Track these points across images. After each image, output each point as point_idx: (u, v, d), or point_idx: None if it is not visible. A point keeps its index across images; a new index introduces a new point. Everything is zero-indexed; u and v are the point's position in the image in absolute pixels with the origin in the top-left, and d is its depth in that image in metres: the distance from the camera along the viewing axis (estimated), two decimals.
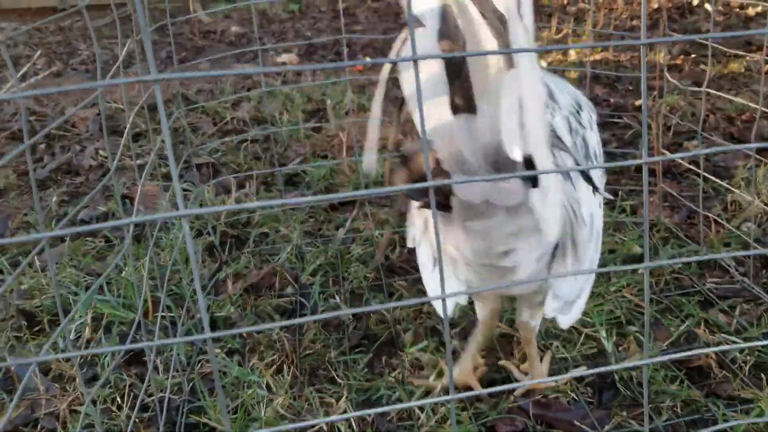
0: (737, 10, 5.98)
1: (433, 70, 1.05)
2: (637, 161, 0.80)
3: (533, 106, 0.98)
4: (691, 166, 2.57)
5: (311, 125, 3.48)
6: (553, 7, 6.21)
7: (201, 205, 2.65)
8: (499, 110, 1.02)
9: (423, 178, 1.10)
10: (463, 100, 1.04)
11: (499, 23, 1.00)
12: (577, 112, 1.50)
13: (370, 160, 1.10)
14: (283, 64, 5.29)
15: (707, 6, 5.85)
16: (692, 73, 4.38)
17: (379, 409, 0.84)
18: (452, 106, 1.05)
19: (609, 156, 3.09)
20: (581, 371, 1.70)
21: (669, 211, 2.53)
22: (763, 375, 1.68)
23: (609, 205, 2.60)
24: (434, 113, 1.05)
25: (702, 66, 4.49)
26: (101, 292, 2.06)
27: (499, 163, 1.08)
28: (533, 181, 1.11)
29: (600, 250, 1.45)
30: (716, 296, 2.00)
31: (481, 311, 1.67)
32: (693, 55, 4.66)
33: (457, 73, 1.04)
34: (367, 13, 7.18)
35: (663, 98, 4.03)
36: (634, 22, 5.57)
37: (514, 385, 1.07)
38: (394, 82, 1.12)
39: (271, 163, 3.14)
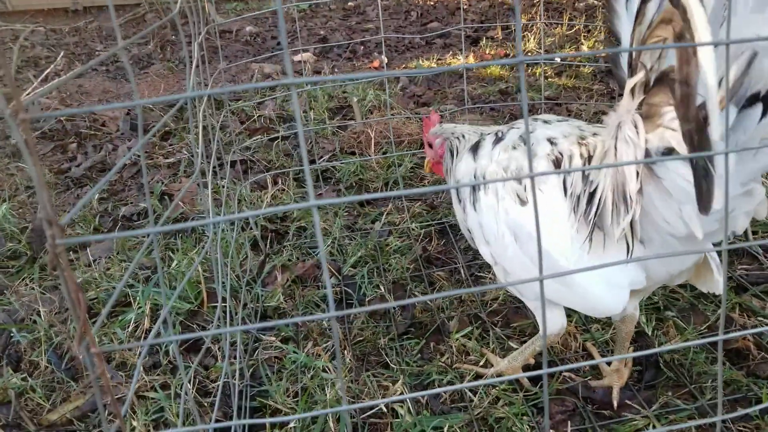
0: None
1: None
2: None
3: None
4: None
5: (337, 123, 3.56)
6: (564, 3, 6.27)
7: (240, 201, 2.73)
8: None
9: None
10: None
11: None
12: None
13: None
14: (300, 62, 5.35)
15: None
16: None
17: (434, 391, 0.91)
18: None
19: None
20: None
21: None
22: None
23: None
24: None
25: None
26: (156, 285, 2.14)
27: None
28: None
29: None
30: (748, 282, 2.07)
31: (550, 327, 1.66)
32: None
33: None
34: (377, 11, 7.26)
35: None
36: None
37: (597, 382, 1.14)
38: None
39: (301, 160, 3.22)
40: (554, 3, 6.40)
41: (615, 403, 1.65)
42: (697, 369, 1.74)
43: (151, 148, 3.47)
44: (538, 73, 4.40)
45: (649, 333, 1.89)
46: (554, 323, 1.59)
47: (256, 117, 3.73)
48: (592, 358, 1.81)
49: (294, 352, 1.87)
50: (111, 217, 2.75)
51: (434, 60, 4.81)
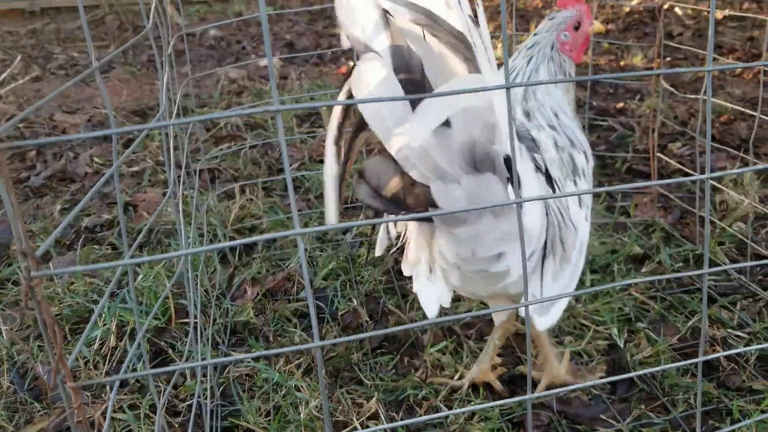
0: (705, 13, 6.17)
1: (394, 96, 1.10)
2: (696, 177, 0.88)
3: (500, 108, 1.07)
4: (681, 167, 2.68)
5: (306, 129, 3.53)
6: (530, 11, 6.34)
7: (207, 212, 2.67)
8: (473, 112, 1.09)
9: (378, 189, 1.17)
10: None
11: (456, 41, 1.07)
12: (566, 134, 1.58)
13: (330, 212, 1.19)
14: (265, 67, 5.29)
15: (677, 10, 6.04)
16: (668, 77, 4.52)
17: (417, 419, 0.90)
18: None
19: (598, 158, 3.20)
20: (601, 380, 1.79)
21: (663, 211, 2.64)
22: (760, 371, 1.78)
23: (606, 206, 2.70)
24: (402, 136, 1.11)
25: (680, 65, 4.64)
26: (121, 300, 2.08)
27: (477, 163, 1.14)
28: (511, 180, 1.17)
29: (583, 260, 1.53)
30: (717, 293, 2.10)
31: (497, 314, 1.73)
32: (668, 59, 4.81)
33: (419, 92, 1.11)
34: None
35: (645, 102, 4.17)
36: (610, 26, 5.72)
37: (540, 394, 1.14)
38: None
39: (269, 168, 3.18)
40: (521, 11, 6.46)
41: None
42: (669, 381, 1.75)
43: (110, 156, 3.38)
44: None
45: (621, 345, 1.90)
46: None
47: (222, 124, 3.67)
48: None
49: (265, 369, 1.84)
50: (74, 229, 2.68)
51: None
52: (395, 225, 1.45)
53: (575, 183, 1.56)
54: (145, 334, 1.97)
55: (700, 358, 0.99)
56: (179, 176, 2.99)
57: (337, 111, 1.20)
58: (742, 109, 2.43)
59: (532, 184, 1.27)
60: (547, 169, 1.49)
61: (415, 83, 1.13)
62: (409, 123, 1.08)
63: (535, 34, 1.73)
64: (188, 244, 2.39)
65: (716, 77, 4.52)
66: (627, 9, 6.14)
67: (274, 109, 0.74)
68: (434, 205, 1.17)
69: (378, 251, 1.43)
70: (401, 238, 1.48)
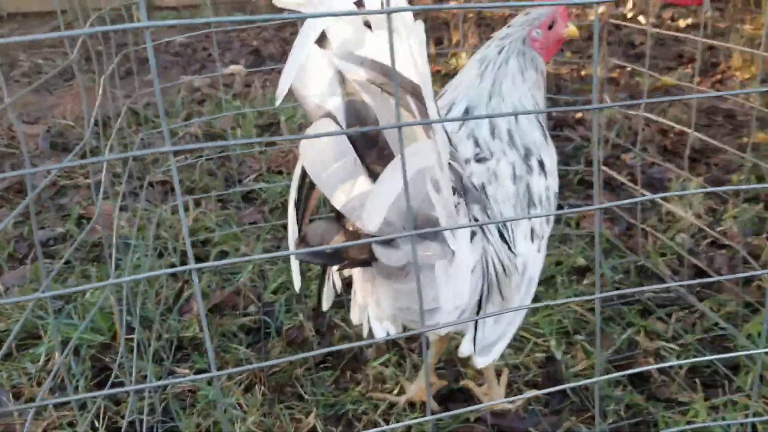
0: (669, 22, 6.29)
1: (343, 155, 1.13)
2: (640, 198, 0.92)
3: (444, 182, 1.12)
4: (628, 178, 2.74)
5: (265, 139, 3.54)
6: (495, 20, 6.40)
7: (158, 225, 2.69)
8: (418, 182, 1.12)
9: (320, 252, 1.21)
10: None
11: (409, 94, 1.09)
12: (526, 156, 1.61)
13: (295, 276, 1.26)
14: (231, 75, 5.30)
15: (641, 18, 6.14)
16: (627, 87, 4.61)
17: None
18: (372, 176, 1.13)
19: None
20: (533, 392, 1.83)
21: (609, 223, 2.69)
22: (697, 379, 1.84)
23: (556, 218, 2.75)
24: (352, 189, 1.14)
25: (637, 78, 4.73)
26: (68, 316, 2.09)
27: (418, 225, 1.18)
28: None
29: (532, 293, 1.58)
30: (655, 305, 2.16)
31: (432, 333, 1.76)
32: (629, 68, 4.89)
33: (370, 147, 1.14)
34: None
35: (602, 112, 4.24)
36: None
37: (476, 407, 1.18)
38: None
39: (226, 180, 3.19)
40: (486, 19, 6.53)
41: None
42: (601, 392, 1.80)
43: (70, 168, 3.38)
44: None
45: (559, 357, 1.94)
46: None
47: (180, 135, 3.68)
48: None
49: (208, 384, 1.86)
50: (27, 242, 2.67)
51: None
52: (340, 278, 1.46)
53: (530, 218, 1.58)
54: (89, 351, 1.98)
55: (612, 376, 1.03)
56: (134, 189, 3.00)
57: (297, 173, 1.23)
58: (679, 129, 2.48)
59: (464, 252, 1.29)
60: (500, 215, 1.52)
61: (368, 137, 1.15)
62: (368, 204, 1.11)
63: (508, 26, 1.75)
64: (143, 256, 2.41)
65: (675, 87, 4.61)
66: (591, 17, 6.23)
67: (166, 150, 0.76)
68: (375, 258, 1.20)
69: (325, 306, 1.45)
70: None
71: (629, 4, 6.40)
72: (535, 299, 1.99)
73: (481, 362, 1.49)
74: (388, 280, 1.29)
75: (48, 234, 2.74)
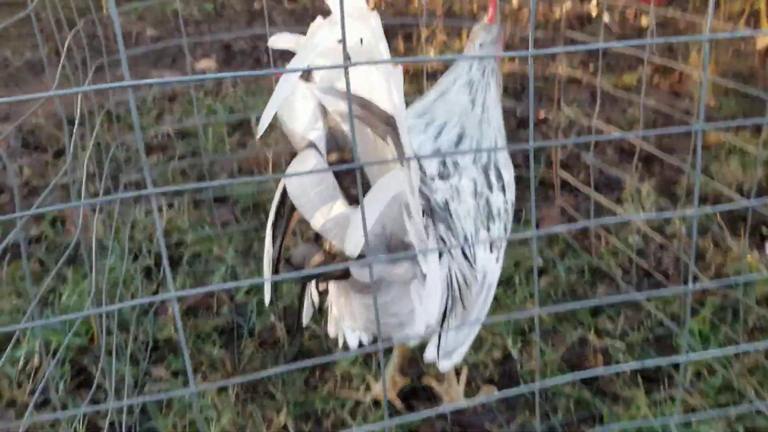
0: (631, 21, 6.45)
1: (323, 182, 1.25)
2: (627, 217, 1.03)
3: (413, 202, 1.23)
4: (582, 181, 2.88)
5: (236, 139, 3.62)
6: (464, 16, 6.51)
7: (133, 227, 2.76)
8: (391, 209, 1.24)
9: (302, 266, 1.33)
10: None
11: (386, 125, 1.18)
12: (486, 172, 1.73)
13: (267, 291, 1.37)
14: (202, 71, 5.34)
15: (604, 17, 6.29)
16: (590, 85, 4.75)
17: None
18: (349, 200, 1.25)
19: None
20: (492, 395, 1.96)
21: (567, 223, 2.83)
22: (641, 375, 1.99)
23: (515, 217, 2.88)
24: (331, 212, 1.25)
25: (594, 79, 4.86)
26: (46, 317, 2.16)
27: (391, 245, 1.30)
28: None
29: (491, 299, 1.70)
30: (605, 304, 2.30)
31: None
32: (591, 67, 5.04)
33: (348, 172, 1.24)
34: (283, 16, 7.29)
35: (561, 110, 4.38)
36: (538, 33, 5.93)
37: (435, 410, 1.30)
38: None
39: (199, 179, 3.26)
40: (456, 14, 6.63)
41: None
42: (552, 389, 1.94)
43: (43, 167, 3.43)
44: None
45: (515, 356, 2.08)
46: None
47: (154, 134, 3.73)
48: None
49: (184, 384, 1.95)
50: (1, 244, 2.72)
51: None
52: (317, 292, 1.56)
53: (488, 228, 1.70)
54: (68, 353, 2.06)
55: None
56: (108, 189, 3.06)
57: (276, 197, 1.34)
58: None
59: (435, 273, 1.40)
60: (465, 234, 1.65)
61: (347, 162, 1.25)
62: (349, 231, 1.22)
63: (480, 45, 1.89)
64: (119, 259, 2.48)
65: (635, 87, 4.77)
66: (557, 15, 6.37)
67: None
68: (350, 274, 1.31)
69: (305, 322, 1.56)
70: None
71: (594, 1, 6.55)
72: (494, 300, 2.12)
73: (444, 366, 1.61)
74: (361, 295, 1.41)
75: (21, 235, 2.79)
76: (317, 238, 1.34)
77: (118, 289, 2.26)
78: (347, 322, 1.52)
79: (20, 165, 3.44)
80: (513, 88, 4.67)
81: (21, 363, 2.03)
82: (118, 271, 2.38)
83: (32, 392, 1.94)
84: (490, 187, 1.73)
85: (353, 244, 1.21)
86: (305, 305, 1.51)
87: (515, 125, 3.90)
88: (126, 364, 1.98)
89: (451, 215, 1.64)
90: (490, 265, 1.67)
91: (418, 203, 1.26)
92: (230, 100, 4.21)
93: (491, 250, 1.67)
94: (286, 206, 1.33)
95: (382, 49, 1.17)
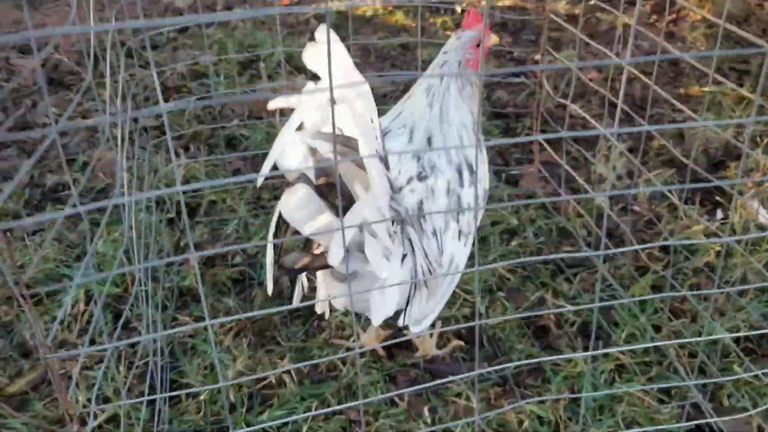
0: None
1: (311, 202, 1.61)
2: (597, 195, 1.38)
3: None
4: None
5: (246, 82, 3.88)
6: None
7: (155, 173, 3.09)
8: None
9: (293, 267, 1.72)
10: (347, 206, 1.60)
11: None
12: (459, 171, 2.04)
13: (269, 283, 1.74)
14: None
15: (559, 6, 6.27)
16: (587, 26, 4.90)
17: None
18: (332, 209, 1.62)
19: (504, 120, 3.66)
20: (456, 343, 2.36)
21: (544, 182, 3.15)
22: (579, 336, 2.37)
23: (497, 175, 3.20)
24: (320, 222, 1.61)
25: (598, 15, 5.00)
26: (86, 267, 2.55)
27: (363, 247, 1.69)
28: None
29: (456, 280, 2.08)
30: (566, 265, 2.67)
31: None
32: (592, 2, 5.14)
33: (332, 189, 1.60)
34: None
35: (560, 52, 4.55)
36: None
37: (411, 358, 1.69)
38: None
39: (213, 121, 3.55)
40: None
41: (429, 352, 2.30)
42: (509, 344, 2.33)
43: (67, 105, 3.71)
44: (439, 23, 4.75)
45: (483, 311, 2.46)
46: None
47: (169, 73, 3.98)
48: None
49: (205, 329, 2.36)
50: (39, 189, 3.08)
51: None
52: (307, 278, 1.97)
53: (458, 221, 2.02)
54: (106, 300, 2.45)
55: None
56: (130, 133, 3.36)
57: (274, 218, 1.73)
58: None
59: (392, 279, 1.77)
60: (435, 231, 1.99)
61: (332, 185, 1.61)
62: (332, 246, 1.61)
63: (444, 53, 2.14)
64: (145, 209, 2.83)
65: (626, 27, 4.89)
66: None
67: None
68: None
69: (295, 303, 1.92)
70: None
71: None
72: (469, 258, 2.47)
73: (414, 331, 2.00)
74: (340, 283, 1.79)
75: (56, 180, 3.14)
76: (306, 243, 1.71)
77: (149, 239, 2.64)
78: (333, 302, 1.91)
79: (46, 105, 3.73)
80: (512, 24, 4.83)
81: (69, 309, 2.42)
82: (145, 221, 2.75)
83: (80, 333, 2.35)
84: (461, 184, 2.04)
85: (334, 256, 1.60)
86: (296, 290, 1.87)
87: (509, 73, 4.11)
88: (158, 310, 2.38)
89: (423, 215, 1.97)
90: (458, 251, 2.01)
91: (383, 218, 1.63)
92: (239, 36, 4.40)
93: (459, 238, 2.01)
94: (283, 222, 1.68)
95: (364, 111, 1.51)
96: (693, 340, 2.21)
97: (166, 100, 3.79)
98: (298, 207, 1.60)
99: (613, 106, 3.91)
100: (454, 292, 2.49)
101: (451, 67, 2.10)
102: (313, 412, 1.93)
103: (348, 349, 2.33)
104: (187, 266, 2.65)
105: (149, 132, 3.47)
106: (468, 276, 2.58)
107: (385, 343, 2.31)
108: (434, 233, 1.97)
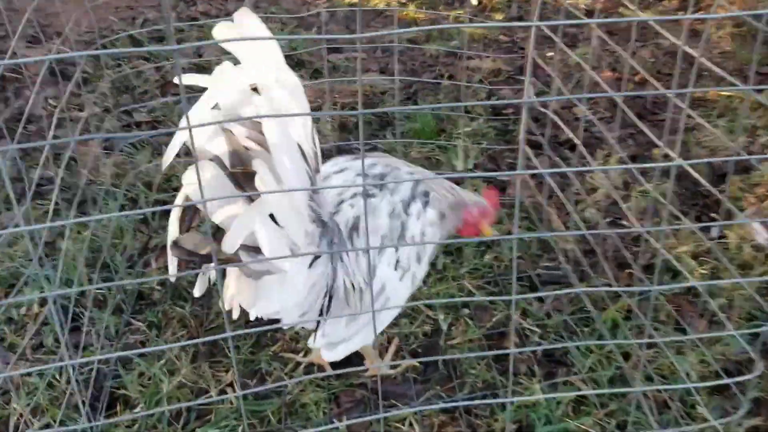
0: None
1: (224, 188, 1.54)
2: None
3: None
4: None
5: None
6: None
7: (137, 174, 3.07)
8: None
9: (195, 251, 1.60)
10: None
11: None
12: (408, 203, 1.94)
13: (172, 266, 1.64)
14: None
15: None
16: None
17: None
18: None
19: (502, 122, 3.51)
20: (411, 361, 2.26)
21: (537, 189, 2.98)
22: (549, 359, 2.24)
23: (485, 181, 3.06)
24: (231, 209, 1.54)
25: (621, 9, 4.76)
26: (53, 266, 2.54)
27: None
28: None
29: (393, 314, 2.00)
30: (540, 282, 2.52)
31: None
32: None
33: (248, 180, 1.52)
34: None
35: (575, 49, 4.34)
36: None
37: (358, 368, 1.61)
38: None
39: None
40: None
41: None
42: (465, 367, 2.22)
43: (68, 97, 3.72)
44: (452, 16, 4.60)
45: (445, 329, 2.35)
46: None
47: (169, 67, 3.95)
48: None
49: (156, 338, 2.32)
50: (21, 184, 3.08)
51: None
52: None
53: (397, 250, 1.92)
54: (64, 301, 2.43)
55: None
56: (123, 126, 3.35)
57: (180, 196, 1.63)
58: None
59: (298, 271, 1.69)
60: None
61: (248, 174, 1.54)
62: (226, 237, 1.53)
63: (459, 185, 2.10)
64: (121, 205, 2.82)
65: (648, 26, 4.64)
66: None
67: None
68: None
69: (197, 292, 1.83)
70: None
71: None
72: (443, 270, 2.36)
73: (327, 356, 1.95)
74: (246, 278, 1.71)
75: (42, 173, 3.13)
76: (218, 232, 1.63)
77: (117, 240, 2.61)
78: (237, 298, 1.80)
79: (46, 96, 3.75)
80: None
81: (24, 309, 2.41)
82: (111, 221, 2.73)
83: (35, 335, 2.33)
84: (407, 212, 1.94)
85: (228, 245, 1.54)
86: (198, 281, 1.76)
87: (518, 71, 3.95)
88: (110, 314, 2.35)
89: (357, 229, 1.89)
90: (390, 281, 1.91)
91: (290, 218, 1.58)
92: None
93: (395, 268, 1.90)
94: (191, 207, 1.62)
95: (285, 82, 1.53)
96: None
97: (163, 95, 3.77)
98: (207, 187, 1.52)
99: (627, 105, 3.74)
100: (415, 307, 2.39)
101: (443, 201, 2.03)
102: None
103: (298, 364, 2.26)
104: (150, 269, 2.61)
105: (141, 126, 3.47)
106: (434, 289, 2.47)
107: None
108: (365, 252, 1.87)
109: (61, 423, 2.05)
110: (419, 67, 4.06)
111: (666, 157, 2.18)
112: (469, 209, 2.06)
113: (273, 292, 1.68)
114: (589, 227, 2.72)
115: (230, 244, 1.53)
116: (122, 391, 2.17)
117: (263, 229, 1.53)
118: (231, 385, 2.18)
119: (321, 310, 1.82)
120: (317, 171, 1.77)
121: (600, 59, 4.14)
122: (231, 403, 2.12)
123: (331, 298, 1.82)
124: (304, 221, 1.68)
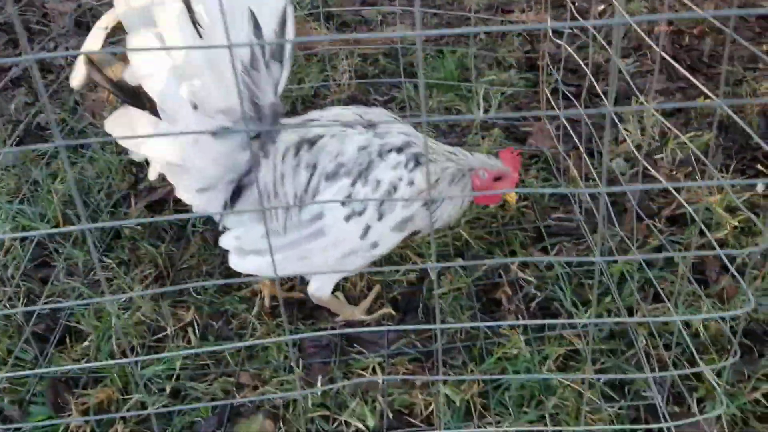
0: None
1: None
2: None
3: None
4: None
5: None
6: None
7: None
8: None
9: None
10: None
11: None
12: (390, 151, 1.75)
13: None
14: None
15: None
16: None
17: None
18: None
19: (536, 71, 3.22)
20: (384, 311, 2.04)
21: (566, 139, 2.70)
22: (539, 311, 1.98)
23: (506, 130, 2.79)
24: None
25: None
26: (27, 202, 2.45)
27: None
28: None
29: (333, 255, 1.76)
30: (548, 233, 2.25)
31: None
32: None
33: None
34: None
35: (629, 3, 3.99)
36: None
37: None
38: None
39: None
40: None
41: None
42: (448, 315, 1.98)
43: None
44: None
45: (433, 277, 2.12)
46: None
47: None
48: None
49: (125, 274, 2.19)
50: (25, 126, 3.03)
51: None
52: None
53: (354, 185, 1.71)
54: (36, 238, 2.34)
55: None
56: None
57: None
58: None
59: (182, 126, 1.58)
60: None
61: None
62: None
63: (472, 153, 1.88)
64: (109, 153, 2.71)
65: None
66: None
67: None
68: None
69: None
70: None
71: None
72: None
73: (233, 262, 1.79)
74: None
75: (45, 118, 3.08)
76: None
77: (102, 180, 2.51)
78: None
79: (67, 46, 3.71)
80: None
81: None
82: (97, 163, 2.63)
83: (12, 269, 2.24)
84: (383, 157, 1.72)
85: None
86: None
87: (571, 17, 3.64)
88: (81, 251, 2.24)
89: (312, 143, 1.69)
90: (331, 213, 1.70)
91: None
92: None
93: (344, 204, 1.68)
94: None
95: None
96: (647, 320, 1.77)
97: None
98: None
99: (676, 60, 3.39)
100: (403, 253, 2.18)
101: (463, 166, 1.83)
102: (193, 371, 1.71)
103: (268, 307, 2.08)
104: (133, 208, 2.48)
105: None
106: (422, 239, 2.24)
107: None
108: (311, 168, 1.67)
109: (9, 352, 1.95)
110: (454, 21, 3.81)
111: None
112: (477, 174, 1.84)
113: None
114: (610, 180, 2.43)
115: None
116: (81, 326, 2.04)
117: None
118: (191, 324, 2.02)
119: (226, 204, 1.68)
120: (274, 59, 1.63)
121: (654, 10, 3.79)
122: (189, 342, 1.97)
123: (241, 189, 1.66)
124: (222, 81, 1.54)
